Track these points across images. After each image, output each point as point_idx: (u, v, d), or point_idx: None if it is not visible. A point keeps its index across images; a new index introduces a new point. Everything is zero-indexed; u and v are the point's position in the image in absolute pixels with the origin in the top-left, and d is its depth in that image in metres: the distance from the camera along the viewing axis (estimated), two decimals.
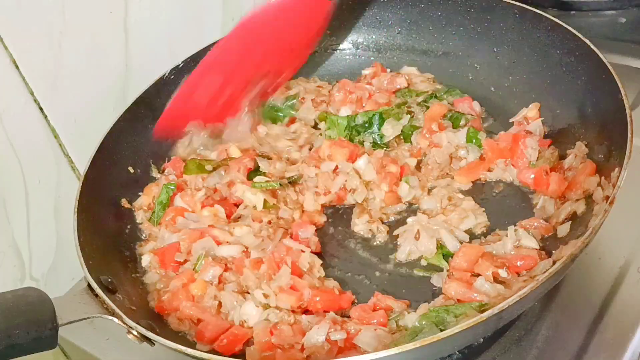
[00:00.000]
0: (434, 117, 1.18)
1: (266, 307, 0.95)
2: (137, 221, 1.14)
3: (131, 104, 1.20)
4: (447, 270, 0.97)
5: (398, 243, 1.04)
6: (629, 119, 0.91)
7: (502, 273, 0.91)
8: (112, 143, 1.14)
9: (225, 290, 0.99)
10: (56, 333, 0.83)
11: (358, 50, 1.38)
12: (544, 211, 1.02)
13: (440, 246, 1.00)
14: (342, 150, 1.14)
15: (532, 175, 1.06)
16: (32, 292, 0.85)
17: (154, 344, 0.86)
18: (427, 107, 1.21)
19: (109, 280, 0.95)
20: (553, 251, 0.94)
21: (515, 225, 0.99)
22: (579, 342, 0.89)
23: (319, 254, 1.04)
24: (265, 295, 0.95)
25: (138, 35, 1.26)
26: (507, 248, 0.96)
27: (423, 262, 1.01)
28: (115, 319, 0.87)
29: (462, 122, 1.17)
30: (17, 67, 1.08)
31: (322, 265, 1.02)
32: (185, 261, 1.04)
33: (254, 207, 1.09)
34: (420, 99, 1.25)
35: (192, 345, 0.92)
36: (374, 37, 1.37)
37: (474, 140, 1.14)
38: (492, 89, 1.24)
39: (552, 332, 0.92)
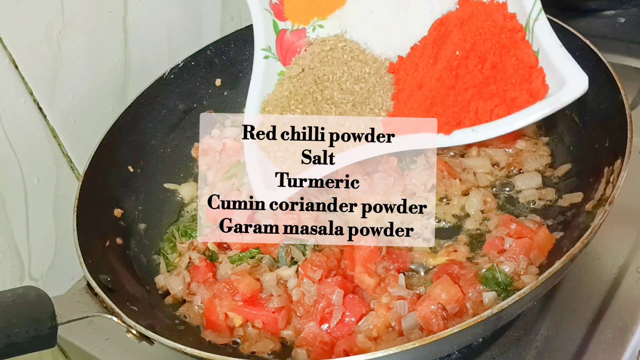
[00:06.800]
0: None
1: None
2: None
3: (131, 104, 1.19)
4: None
5: None
6: (628, 119, 0.91)
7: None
8: (111, 142, 1.14)
9: None
10: (55, 332, 0.83)
11: None
12: None
13: None
14: None
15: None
16: (32, 291, 0.85)
17: (153, 343, 0.86)
18: None
19: (109, 279, 0.95)
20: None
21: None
22: (578, 341, 0.89)
23: None
24: None
25: (137, 34, 1.26)
26: None
27: None
28: (115, 318, 0.87)
29: None
30: (16, 66, 1.08)
31: None
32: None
33: None
34: None
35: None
36: None
37: None
38: None
39: (551, 332, 0.92)
